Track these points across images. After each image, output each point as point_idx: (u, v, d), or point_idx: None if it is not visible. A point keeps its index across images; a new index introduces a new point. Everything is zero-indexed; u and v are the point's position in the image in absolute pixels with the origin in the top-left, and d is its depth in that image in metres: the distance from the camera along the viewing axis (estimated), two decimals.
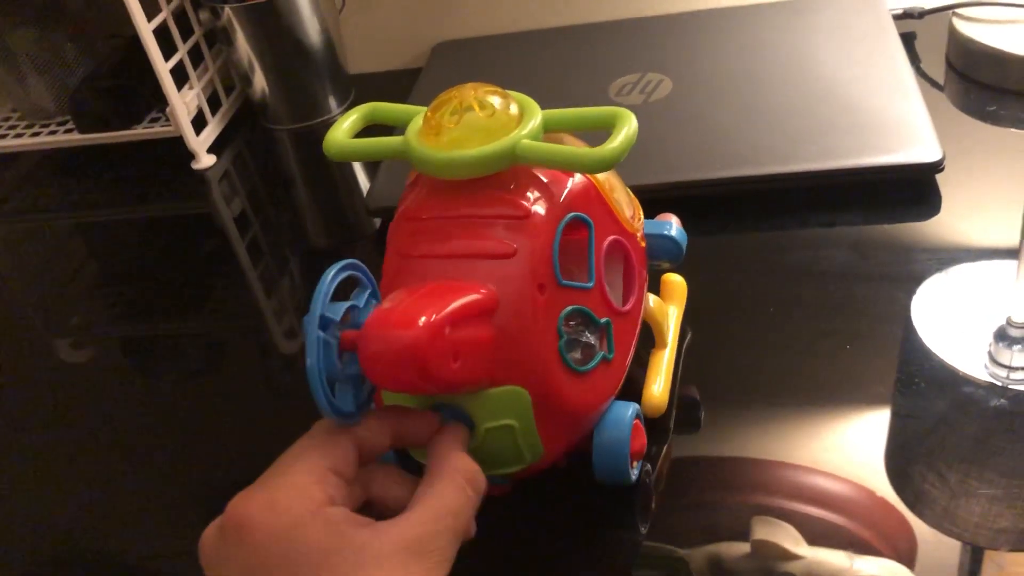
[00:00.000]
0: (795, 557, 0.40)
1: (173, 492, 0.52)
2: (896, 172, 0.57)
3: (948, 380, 0.46)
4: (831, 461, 0.44)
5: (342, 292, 0.37)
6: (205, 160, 0.80)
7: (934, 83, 0.69)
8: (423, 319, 0.34)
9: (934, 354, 0.47)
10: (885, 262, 0.55)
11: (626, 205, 0.45)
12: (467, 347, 0.35)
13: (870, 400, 0.47)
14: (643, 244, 0.46)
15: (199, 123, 0.80)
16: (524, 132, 0.38)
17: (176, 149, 0.79)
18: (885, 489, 0.42)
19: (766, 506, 0.43)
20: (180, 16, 0.78)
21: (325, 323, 0.34)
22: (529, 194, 0.39)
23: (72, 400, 0.61)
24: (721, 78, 0.69)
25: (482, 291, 0.37)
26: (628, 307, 0.43)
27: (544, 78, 0.75)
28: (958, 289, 0.51)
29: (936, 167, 0.56)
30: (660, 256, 0.49)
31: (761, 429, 0.47)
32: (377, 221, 0.68)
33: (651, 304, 0.47)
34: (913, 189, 0.59)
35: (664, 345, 0.49)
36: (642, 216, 0.47)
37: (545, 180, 0.39)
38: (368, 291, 0.38)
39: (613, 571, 0.42)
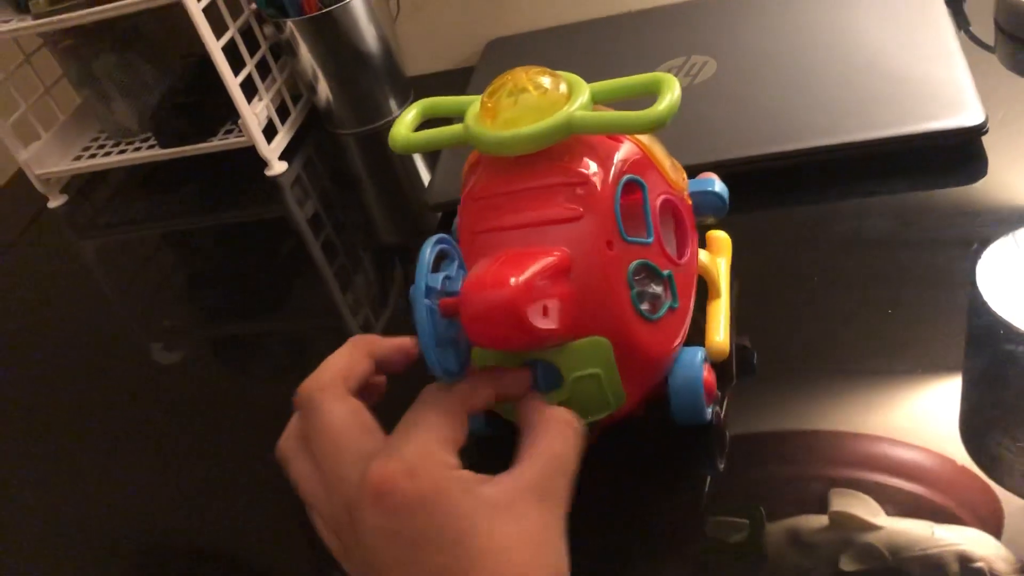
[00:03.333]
0: (875, 528, 0.40)
1: (262, 482, 0.54)
2: (939, 138, 0.57)
3: (1018, 342, 0.46)
4: (905, 430, 0.44)
5: (435, 265, 0.39)
6: (277, 167, 0.83)
7: (984, 45, 0.69)
8: (514, 279, 0.37)
9: (1002, 318, 0.47)
10: (939, 227, 0.55)
11: (671, 168, 0.47)
12: (552, 303, 0.38)
13: (940, 368, 0.47)
14: (689, 201, 0.49)
15: (270, 132, 0.83)
16: (576, 105, 0.41)
17: (250, 158, 0.82)
18: (963, 457, 0.42)
19: (842, 478, 0.43)
20: (246, 32, 0.81)
21: (428, 292, 0.38)
22: (585, 161, 0.42)
23: (167, 398, 0.65)
24: (765, 56, 0.70)
25: (556, 253, 0.40)
26: (684, 259, 0.46)
27: (592, 67, 0.73)
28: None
29: (979, 130, 0.56)
30: (706, 211, 0.51)
31: (831, 400, 0.47)
32: (438, 215, 0.70)
33: (702, 258, 0.50)
34: (960, 153, 0.58)
35: (718, 295, 0.51)
36: (686, 177, 0.50)
37: (597, 148, 0.42)
38: (456, 262, 0.41)
39: (692, 516, 0.44)
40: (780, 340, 0.52)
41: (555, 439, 0.38)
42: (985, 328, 0.48)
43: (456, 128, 0.44)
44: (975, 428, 0.44)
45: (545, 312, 0.38)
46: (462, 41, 0.90)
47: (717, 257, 0.53)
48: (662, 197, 0.45)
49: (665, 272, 0.44)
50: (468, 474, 0.36)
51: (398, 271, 0.70)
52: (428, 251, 0.38)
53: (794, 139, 0.60)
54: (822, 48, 0.68)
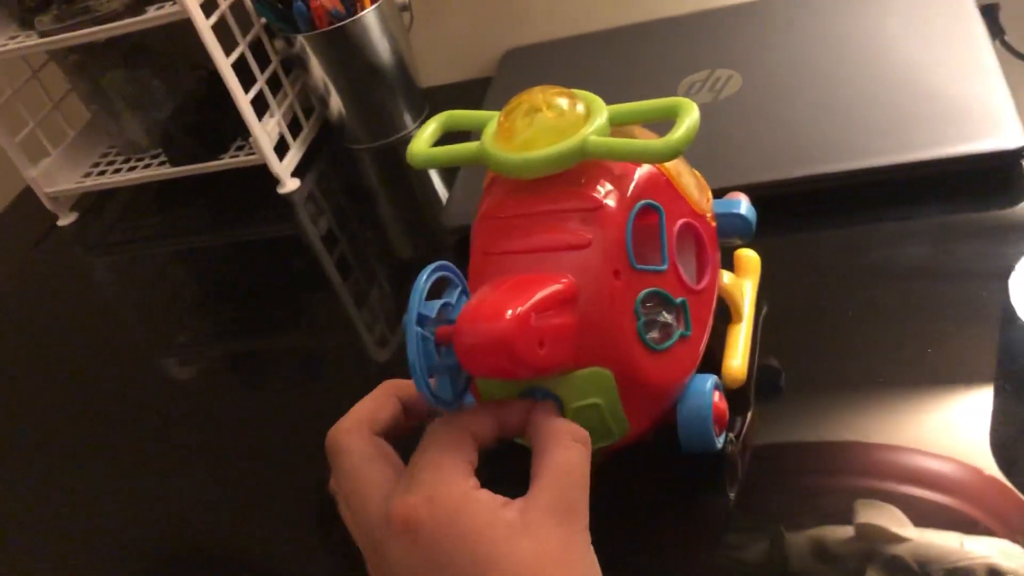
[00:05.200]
0: (902, 539, 0.40)
1: (275, 495, 0.55)
2: (977, 161, 0.55)
3: None
4: (934, 442, 0.44)
5: (436, 291, 0.39)
6: (289, 184, 0.82)
7: (1021, 56, 0.66)
8: (510, 311, 0.36)
9: None
10: (976, 255, 0.53)
11: (695, 188, 0.46)
12: (552, 333, 0.38)
13: (971, 380, 0.46)
14: (713, 224, 0.48)
15: (282, 148, 0.82)
16: (591, 129, 0.40)
17: (262, 175, 0.82)
18: (993, 470, 0.42)
19: (869, 488, 0.43)
20: (256, 46, 0.80)
21: (422, 320, 0.38)
22: (600, 186, 0.41)
23: (181, 413, 0.65)
24: (791, 70, 0.67)
25: (563, 281, 0.39)
26: (702, 285, 0.45)
27: (612, 80, 0.75)
28: None
29: (1020, 153, 0.54)
30: (731, 233, 0.51)
31: (857, 411, 0.47)
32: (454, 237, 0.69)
33: (725, 280, 0.49)
34: (998, 175, 0.56)
35: (740, 319, 0.50)
36: (711, 197, 0.49)
37: (615, 172, 0.41)
38: (459, 289, 0.41)
39: (708, 543, 0.44)
40: (807, 355, 0.51)
41: (562, 454, 0.38)
42: (1017, 341, 0.47)
43: (472, 146, 0.43)
44: (1007, 443, 0.43)
45: (542, 344, 0.37)
46: (478, 52, 0.88)
47: (744, 279, 0.52)
48: (682, 221, 0.44)
49: (678, 300, 0.43)
50: (487, 496, 0.36)
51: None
52: (424, 278, 0.38)
53: (823, 162, 0.58)
54: (851, 61, 0.66)
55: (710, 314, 0.46)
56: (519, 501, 0.36)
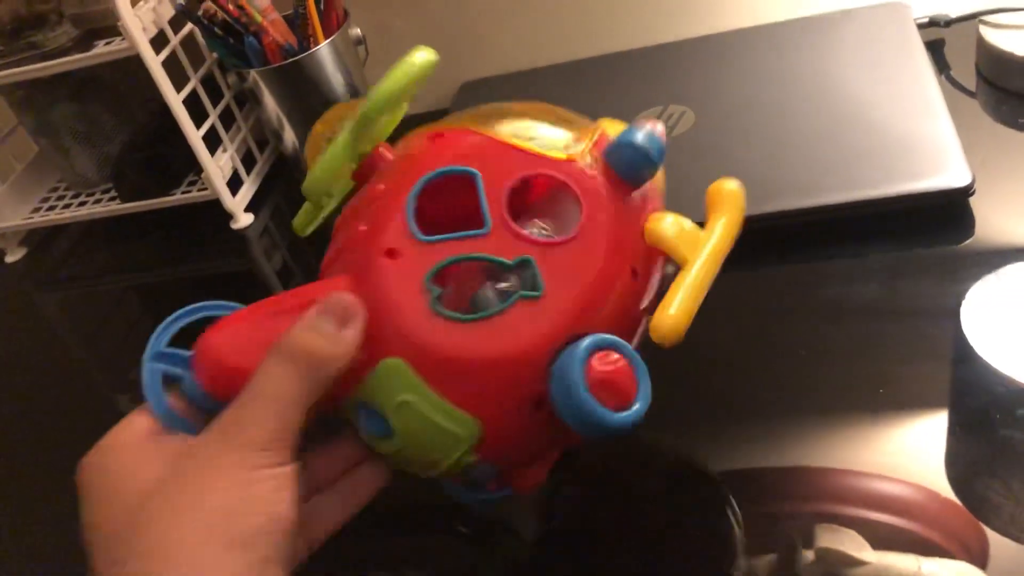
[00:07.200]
0: (861, 563, 0.40)
1: None
2: (925, 199, 0.56)
3: (1000, 387, 0.45)
4: (891, 467, 0.44)
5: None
6: (243, 220, 0.81)
7: (966, 90, 0.68)
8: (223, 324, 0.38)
9: (986, 362, 0.46)
10: (925, 293, 0.54)
11: (562, 137, 0.43)
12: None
13: (925, 408, 0.47)
14: (592, 170, 0.42)
15: (236, 183, 0.81)
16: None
17: (216, 210, 0.80)
18: (949, 495, 0.42)
19: (827, 513, 0.43)
20: (209, 81, 0.79)
21: (159, 357, 0.39)
22: (386, 174, 0.42)
23: None
24: (743, 106, 0.68)
25: (337, 282, 0.38)
26: (570, 235, 0.40)
27: None
28: (1009, 296, 0.50)
29: (966, 191, 0.55)
30: (634, 169, 0.42)
31: (815, 438, 0.47)
32: None
33: (665, 224, 0.42)
34: (945, 212, 0.57)
35: (687, 266, 0.41)
36: (602, 138, 0.44)
37: (409, 156, 0.43)
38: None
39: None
40: (762, 389, 0.51)
41: (259, 371, 0.35)
42: (967, 369, 0.47)
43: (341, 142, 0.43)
44: (962, 470, 0.44)
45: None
46: (434, 84, 0.86)
47: (715, 215, 0.43)
48: (518, 176, 0.40)
49: (513, 260, 0.38)
50: (145, 425, 0.36)
51: None
52: (168, 320, 0.40)
53: (773, 200, 0.58)
54: (802, 97, 0.67)
55: (586, 267, 0.39)
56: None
